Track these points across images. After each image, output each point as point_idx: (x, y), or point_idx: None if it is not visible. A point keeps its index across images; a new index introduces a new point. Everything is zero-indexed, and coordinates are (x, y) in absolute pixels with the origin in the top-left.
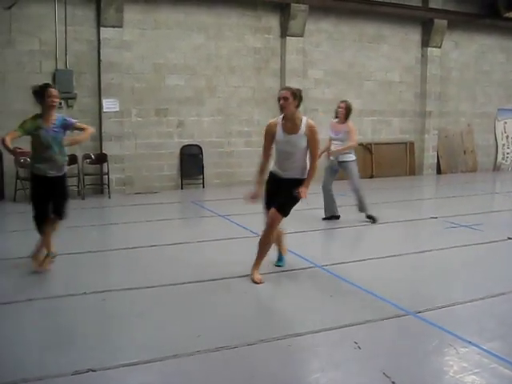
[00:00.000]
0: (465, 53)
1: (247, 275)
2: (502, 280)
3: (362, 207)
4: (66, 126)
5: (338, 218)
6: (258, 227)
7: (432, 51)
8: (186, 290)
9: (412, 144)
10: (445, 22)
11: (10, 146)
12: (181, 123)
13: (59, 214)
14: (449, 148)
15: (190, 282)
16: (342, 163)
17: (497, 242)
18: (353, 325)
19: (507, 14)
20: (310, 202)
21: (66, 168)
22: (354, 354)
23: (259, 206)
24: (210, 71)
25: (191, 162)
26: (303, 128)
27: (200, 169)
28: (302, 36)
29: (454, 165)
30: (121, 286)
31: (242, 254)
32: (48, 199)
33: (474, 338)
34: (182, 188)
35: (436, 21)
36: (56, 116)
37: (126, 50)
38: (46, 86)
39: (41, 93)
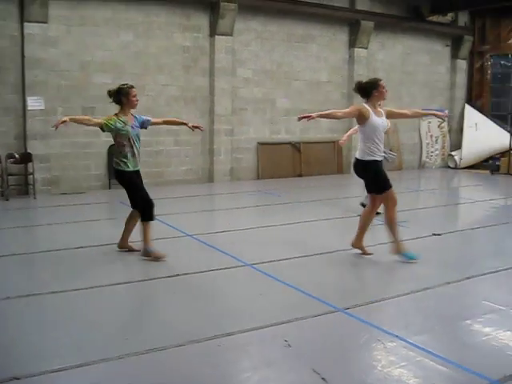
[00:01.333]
0: (391, 54)
1: (175, 275)
2: (427, 275)
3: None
4: (143, 123)
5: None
6: (187, 227)
7: (359, 52)
8: (114, 292)
9: None
10: (371, 24)
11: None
12: None
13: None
14: None
15: (117, 284)
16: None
17: (422, 238)
18: (283, 323)
19: (431, 17)
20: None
21: None
22: (284, 352)
23: (188, 207)
24: (138, 69)
25: None
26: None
27: None
28: (231, 35)
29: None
30: (46, 290)
31: (170, 255)
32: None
33: (400, 332)
34: (109, 188)
35: (363, 22)
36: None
37: (51, 46)
38: (132, 86)
39: (126, 92)
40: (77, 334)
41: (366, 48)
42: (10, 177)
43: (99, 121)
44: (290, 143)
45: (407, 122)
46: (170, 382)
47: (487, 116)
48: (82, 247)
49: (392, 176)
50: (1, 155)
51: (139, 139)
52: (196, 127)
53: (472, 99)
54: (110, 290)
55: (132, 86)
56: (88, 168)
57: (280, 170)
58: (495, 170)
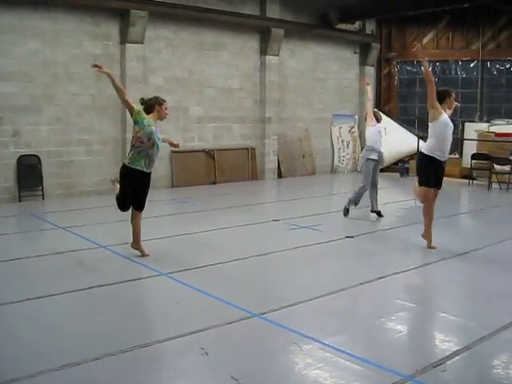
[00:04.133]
0: (301, 61)
1: (89, 287)
2: (341, 277)
3: (355, 199)
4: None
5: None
6: (100, 238)
7: (270, 59)
8: (22, 307)
9: (253, 149)
10: (282, 31)
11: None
12: (17, 132)
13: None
14: (288, 152)
15: (26, 300)
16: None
17: (336, 240)
18: (199, 331)
19: (339, 25)
20: None
21: None
22: (201, 360)
23: (101, 217)
24: (47, 78)
25: (29, 173)
26: None
27: (39, 180)
28: (141, 43)
29: (293, 168)
30: None
31: (83, 266)
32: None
33: (316, 334)
34: (20, 200)
35: (273, 30)
36: None
37: None
38: (164, 100)
39: (160, 102)
40: None
41: (277, 55)
42: None
43: (132, 104)
44: (203, 151)
45: (319, 128)
46: None
47: (395, 120)
48: None
49: (305, 181)
50: None
51: (158, 147)
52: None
53: (381, 104)
54: (18, 306)
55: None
56: None
57: (194, 178)
58: (404, 172)
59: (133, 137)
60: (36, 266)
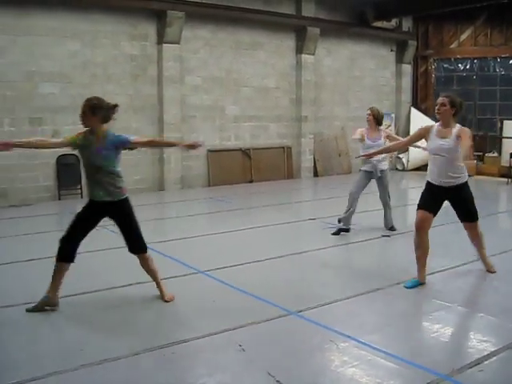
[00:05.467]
0: (337, 59)
1: (129, 284)
2: (376, 276)
3: (387, 222)
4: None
5: (348, 230)
6: None
7: (306, 58)
8: (66, 303)
9: (289, 148)
10: (317, 30)
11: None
12: (56, 132)
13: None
14: (324, 151)
15: (73, 295)
16: (382, 171)
17: (371, 240)
18: (236, 328)
19: (375, 23)
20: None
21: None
22: (238, 357)
23: (139, 215)
24: (86, 79)
25: (68, 172)
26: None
27: (78, 178)
28: (178, 43)
29: (329, 167)
30: None
31: (123, 264)
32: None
33: (352, 332)
34: (59, 199)
35: (309, 28)
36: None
37: None
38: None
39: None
40: (27, 347)
41: (313, 54)
42: None
43: (62, 140)
44: (240, 149)
45: (355, 127)
46: None
47: (432, 118)
48: (32, 259)
49: (341, 180)
50: None
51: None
52: (192, 146)
53: (417, 102)
54: (61, 302)
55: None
56: (36, 179)
57: (231, 177)
58: None
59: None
60: (76, 263)
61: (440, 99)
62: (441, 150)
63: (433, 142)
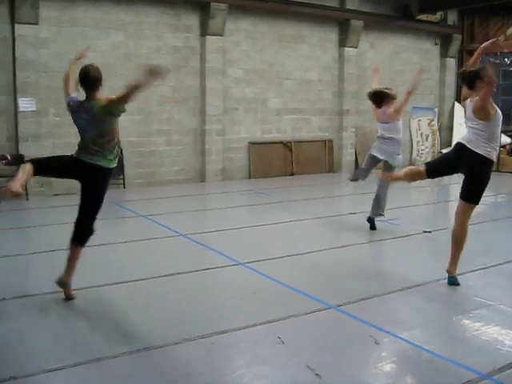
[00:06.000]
0: (380, 53)
1: (170, 274)
2: (417, 271)
3: (378, 206)
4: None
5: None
6: (180, 226)
7: (349, 51)
8: (106, 293)
9: (331, 142)
10: (361, 23)
11: None
12: None
13: None
14: (366, 145)
15: (109, 284)
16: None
17: (412, 235)
18: (276, 320)
19: (420, 16)
20: None
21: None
22: (277, 349)
23: (180, 206)
24: (129, 70)
25: None
26: None
27: (120, 169)
28: (221, 35)
29: None
30: (41, 291)
31: (163, 254)
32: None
33: (392, 328)
34: None
35: (352, 21)
36: None
37: (42, 47)
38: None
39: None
40: (72, 335)
41: (356, 47)
42: (2, 178)
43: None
44: (281, 142)
45: None
46: (166, 379)
47: None
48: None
49: None
50: None
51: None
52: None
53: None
54: (107, 290)
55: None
56: None
57: (272, 170)
58: None
59: (104, 135)
60: (119, 251)
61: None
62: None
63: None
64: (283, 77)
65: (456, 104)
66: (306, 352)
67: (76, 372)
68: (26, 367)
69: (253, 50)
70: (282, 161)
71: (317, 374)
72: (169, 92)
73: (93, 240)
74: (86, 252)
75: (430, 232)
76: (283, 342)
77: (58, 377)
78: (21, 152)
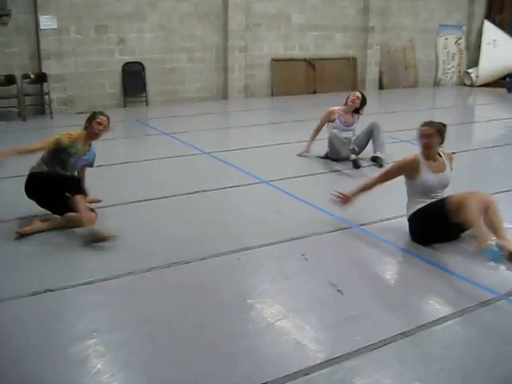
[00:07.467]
0: None
1: (195, 192)
2: None
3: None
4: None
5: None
6: (203, 144)
7: None
8: (135, 209)
9: (354, 59)
10: None
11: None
12: (122, 40)
13: None
14: (391, 63)
15: (137, 201)
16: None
17: None
18: (300, 238)
19: None
20: None
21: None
22: (301, 266)
23: (203, 124)
24: None
25: (134, 80)
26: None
27: (143, 86)
28: None
29: (395, 80)
30: None
31: (188, 172)
32: None
33: (409, 247)
34: (125, 106)
35: None
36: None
37: None
38: (101, 113)
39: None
40: (104, 252)
41: None
42: (26, 97)
43: (47, 142)
44: (304, 60)
45: (424, 39)
46: (193, 293)
47: (507, 32)
48: (101, 165)
49: (407, 93)
50: (16, 75)
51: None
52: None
53: (491, 14)
54: (134, 207)
55: (101, 113)
56: (103, 87)
57: (294, 87)
58: None
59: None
60: (145, 169)
61: (424, 129)
62: (442, 186)
63: (429, 177)
64: None
65: (486, 22)
66: (328, 268)
67: (107, 286)
68: (61, 281)
69: None
70: (304, 78)
71: (339, 290)
72: (191, 7)
73: (119, 158)
74: (111, 170)
75: (453, 153)
76: (307, 259)
77: (91, 290)
78: (43, 70)
